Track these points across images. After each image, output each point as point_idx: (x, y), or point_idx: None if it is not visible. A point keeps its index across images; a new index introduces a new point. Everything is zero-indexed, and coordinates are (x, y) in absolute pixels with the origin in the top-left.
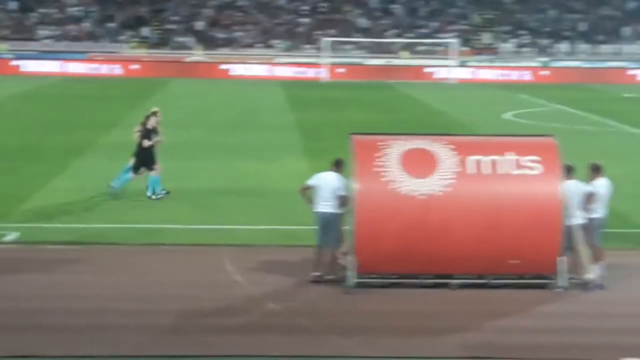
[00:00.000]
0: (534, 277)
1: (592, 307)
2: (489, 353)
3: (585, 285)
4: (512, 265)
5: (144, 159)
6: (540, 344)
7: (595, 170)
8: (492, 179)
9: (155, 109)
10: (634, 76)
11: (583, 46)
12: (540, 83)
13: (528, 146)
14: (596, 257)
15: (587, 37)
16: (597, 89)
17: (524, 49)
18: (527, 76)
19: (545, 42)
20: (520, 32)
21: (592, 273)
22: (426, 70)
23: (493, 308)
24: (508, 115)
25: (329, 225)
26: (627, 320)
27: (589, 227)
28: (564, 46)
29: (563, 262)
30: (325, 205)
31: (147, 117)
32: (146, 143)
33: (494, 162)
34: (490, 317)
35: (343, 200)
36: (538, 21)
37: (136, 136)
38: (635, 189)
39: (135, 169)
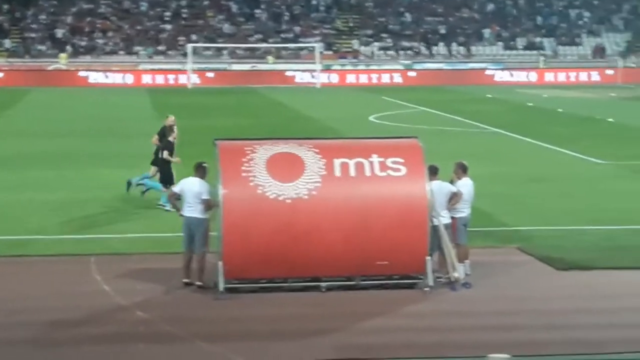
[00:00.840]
0: (403, 277)
1: (459, 305)
2: (359, 354)
3: (452, 284)
4: (380, 266)
5: (167, 171)
6: (409, 343)
7: (461, 170)
8: (357, 182)
9: (171, 117)
10: (492, 76)
11: (445, 48)
12: (405, 86)
13: (392, 148)
14: (462, 256)
15: (449, 39)
16: (460, 90)
17: (387, 52)
18: (390, 79)
19: (408, 45)
20: (382, 35)
21: (459, 271)
22: (291, 74)
23: (363, 309)
24: (373, 118)
25: (194, 230)
26: (494, 317)
27: (455, 226)
28: (426, 49)
29: (430, 261)
30: (190, 210)
31: (171, 128)
32: (166, 155)
33: (359, 165)
34: (360, 317)
35: (207, 204)
36: (400, 24)
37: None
38: (498, 189)
39: (164, 183)
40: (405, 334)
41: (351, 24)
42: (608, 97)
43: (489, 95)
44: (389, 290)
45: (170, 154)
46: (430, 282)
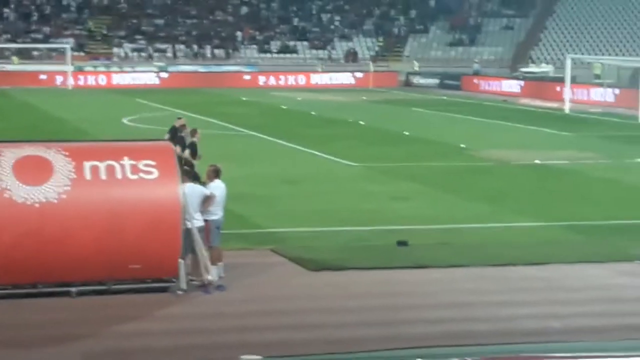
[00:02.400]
0: (155, 281)
1: (212, 307)
2: (111, 359)
3: (205, 287)
4: (133, 269)
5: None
6: (163, 347)
7: (214, 173)
8: (109, 185)
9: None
10: (247, 79)
11: (200, 51)
12: (159, 88)
13: (144, 151)
14: (215, 258)
15: (204, 41)
16: (215, 92)
17: (141, 54)
18: (145, 81)
19: (162, 47)
20: (136, 37)
21: (212, 274)
22: (42, 76)
23: (115, 313)
24: (127, 120)
25: None
26: (247, 319)
27: (208, 229)
28: (181, 51)
29: (183, 264)
30: None
31: (194, 132)
32: (187, 154)
33: (110, 168)
34: (112, 322)
35: None
36: (153, 26)
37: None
38: (252, 190)
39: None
40: (158, 338)
41: (103, 26)
42: (360, 100)
43: (244, 98)
44: (141, 294)
45: (194, 155)
46: (183, 285)
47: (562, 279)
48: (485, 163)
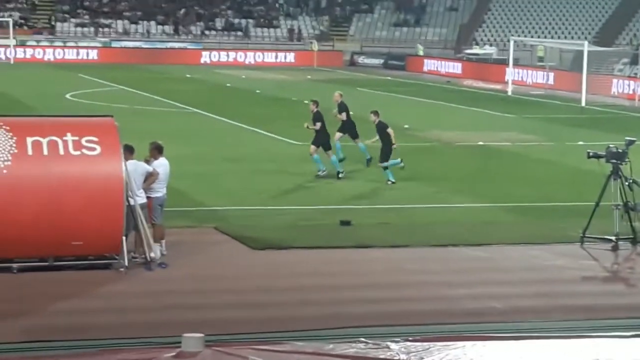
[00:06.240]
0: (98, 258)
1: (154, 285)
2: (51, 336)
3: (148, 264)
4: (75, 246)
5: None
6: (104, 324)
7: (157, 150)
8: (51, 160)
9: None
10: (193, 57)
11: (144, 27)
12: (103, 63)
13: (87, 126)
14: (158, 236)
15: (148, 17)
16: (159, 69)
17: (85, 29)
18: (88, 56)
19: (106, 22)
20: (79, 11)
21: (155, 251)
22: None
23: (57, 290)
24: (70, 96)
25: None
26: (189, 297)
27: (150, 206)
28: (125, 27)
29: (126, 241)
30: None
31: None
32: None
33: (52, 143)
34: (54, 299)
35: None
36: (97, 1)
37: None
38: (195, 169)
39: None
40: (99, 315)
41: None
42: (305, 79)
43: (189, 75)
44: (84, 271)
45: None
46: (126, 262)
47: (503, 260)
48: (429, 143)
